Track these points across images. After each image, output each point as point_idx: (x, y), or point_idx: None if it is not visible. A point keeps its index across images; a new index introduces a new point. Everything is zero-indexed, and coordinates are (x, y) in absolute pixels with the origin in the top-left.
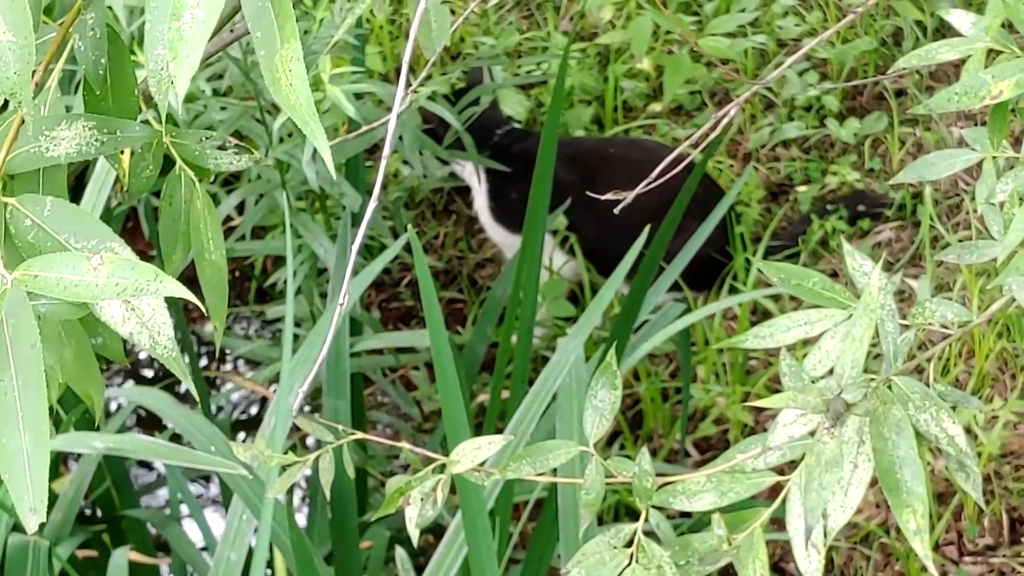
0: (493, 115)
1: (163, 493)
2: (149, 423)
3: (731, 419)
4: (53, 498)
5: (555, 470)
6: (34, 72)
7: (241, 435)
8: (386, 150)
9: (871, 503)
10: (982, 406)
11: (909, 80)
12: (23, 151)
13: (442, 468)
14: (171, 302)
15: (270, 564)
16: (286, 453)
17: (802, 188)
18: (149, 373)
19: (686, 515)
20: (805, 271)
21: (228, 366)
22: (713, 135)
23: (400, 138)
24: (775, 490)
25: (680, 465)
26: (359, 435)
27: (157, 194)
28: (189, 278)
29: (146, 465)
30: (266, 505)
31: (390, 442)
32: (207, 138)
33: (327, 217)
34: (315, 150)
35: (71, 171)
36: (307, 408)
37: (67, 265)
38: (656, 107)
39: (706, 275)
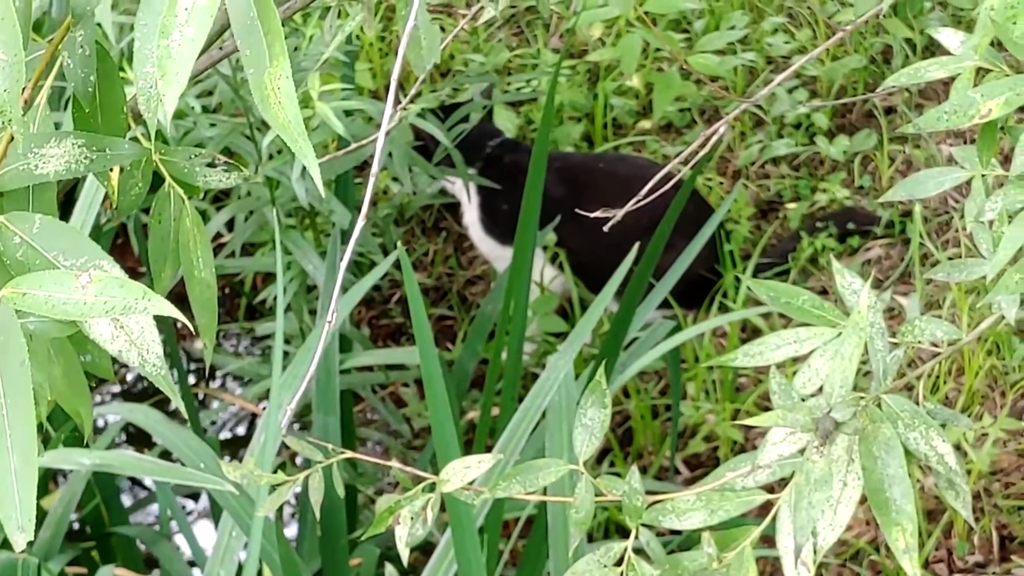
0: (486, 127)
1: (153, 510)
2: (139, 440)
3: (721, 436)
4: (42, 515)
5: (545, 488)
6: (23, 89)
7: (231, 452)
8: (374, 168)
9: (861, 521)
10: (971, 424)
11: (899, 98)
12: (12, 168)
13: (432, 486)
14: (161, 319)
15: None
16: (276, 471)
17: (792, 205)
18: (139, 389)
19: (676, 533)
20: (794, 289)
21: (218, 383)
22: (702, 152)
23: (390, 155)
24: (765, 508)
25: (670, 482)
26: (348, 454)
27: (147, 211)
28: (178, 295)
29: (136, 482)
30: (255, 522)
31: (380, 461)
32: (196, 155)
33: (317, 234)
34: (304, 167)
35: (60, 188)
36: (297, 425)
37: (56, 283)
38: (646, 124)
39: (696, 293)
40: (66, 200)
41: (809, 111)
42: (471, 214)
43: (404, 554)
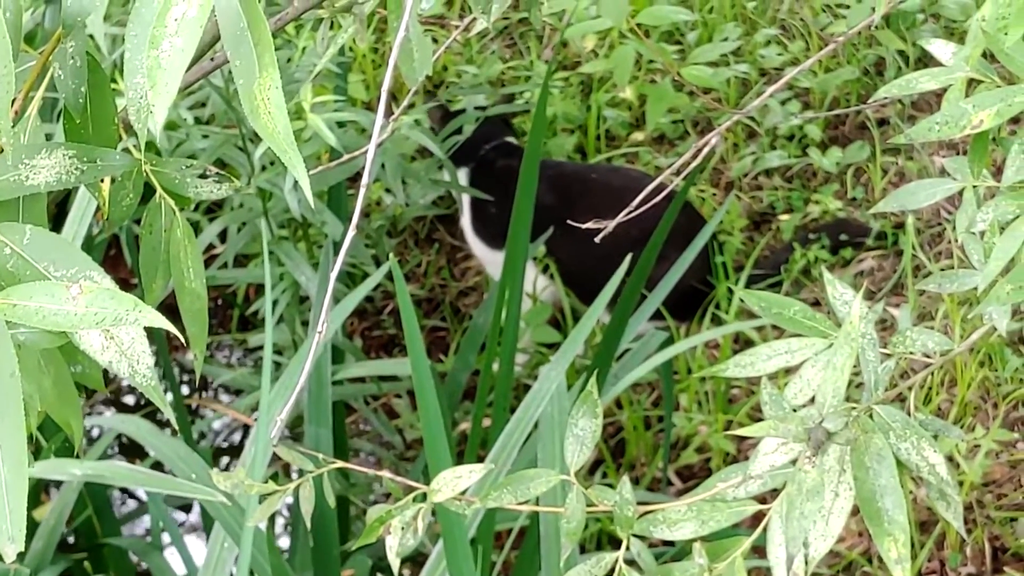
0: (488, 129)
1: (145, 521)
2: (131, 451)
3: (713, 447)
4: (34, 526)
5: (537, 499)
6: (14, 100)
7: (223, 462)
8: (365, 179)
9: (853, 532)
10: (963, 435)
11: (891, 109)
12: (3, 180)
13: (423, 497)
14: (152, 330)
15: None
16: (267, 481)
17: (784, 217)
18: (131, 400)
19: (668, 544)
20: (786, 300)
21: (210, 394)
22: (695, 164)
23: (382, 166)
24: (756, 519)
25: (662, 493)
26: (340, 464)
27: (139, 221)
28: (170, 307)
29: (128, 493)
30: (247, 533)
31: (371, 471)
32: (188, 167)
33: (309, 245)
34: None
35: (52, 199)
36: (289, 436)
37: (46, 294)
38: (639, 136)
39: (688, 305)
40: (58, 211)
41: (802, 123)
42: (464, 217)
43: (395, 564)
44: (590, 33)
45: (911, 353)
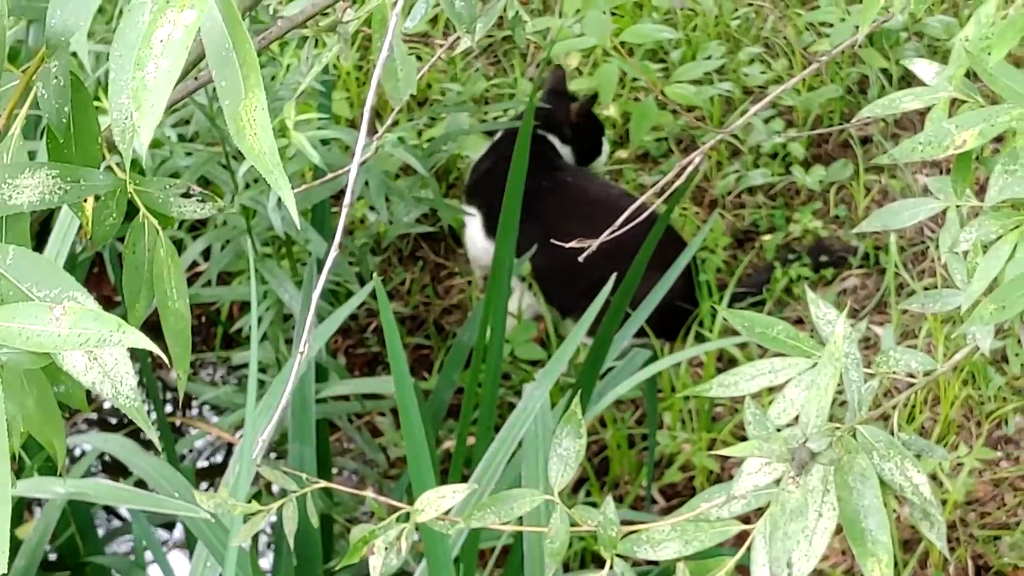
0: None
1: (128, 540)
2: (115, 469)
3: (697, 466)
4: (17, 544)
5: (521, 518)
6: None
7: (207, 481)
8: (347, 198)
9: (836, 550)
10: (947, 455)
11: (875, 128)
12: None
13: (407, 516)
14: (136, 348)
15: None
16: (250, 500)
17: (767, 236)
18: (115, 419)
19: (652, 563)
20: (769, 320)
21: (194, 412)
22: (678, 182)
23: (366, 184)
24: (740, 538)
25: (646, 512)
26: (323, 483)
27: (123, 239)
28: (153, 325)
29: (111, 512)
30: (230, 552)
31: (354, 491)
32: (171, 186)
33: (293, 263)
34: (280, 197)
35: (35, 217)
36: (273, 454)
37: (29, 315)
38: (622, 154)
39: (671, 324)
40: (41, 229)
41: (785, 141)
42: (471, 228)
43: None
44: (574, 51)
45: (894, 373)
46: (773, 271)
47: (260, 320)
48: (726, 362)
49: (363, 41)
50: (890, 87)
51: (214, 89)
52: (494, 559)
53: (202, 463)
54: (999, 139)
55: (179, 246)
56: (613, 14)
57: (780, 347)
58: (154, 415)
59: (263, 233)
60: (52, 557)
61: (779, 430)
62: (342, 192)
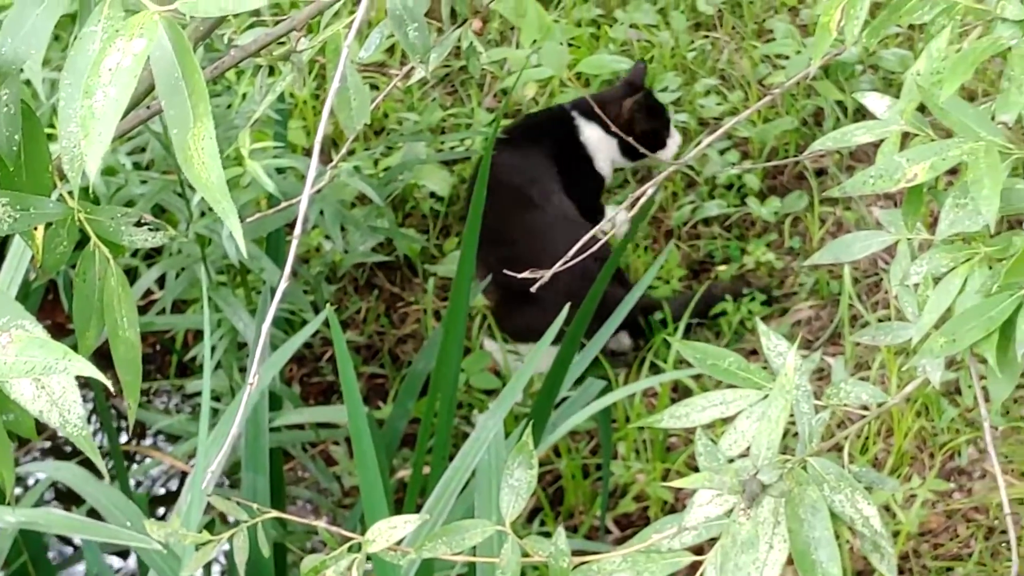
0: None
1: (81, 568)
2: (67, 497)
3: (651, 496)
4: None
5: (473, 548)
6: None
7: (161, 509)
8: (297, 228)
9: None
10: (898, 487)
11: (830, 159)
12: None
13: (359, 546)
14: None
15: None
16: (201, 530)
17: (722, 267)
18: (70, 447)
19: None
20: (721, 351)
21: (148, 440)
22: (632, 212)
23: (321, 213)
24: (692, 569)
25: (600, 541)
26: (274, 513)
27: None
28: (105, 353)
29: (64, 540)
30: None
31: (306, 521)
32: (122, 214)
33: (248, 291)
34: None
35: None
36: (227, 483)
37: None
38: None
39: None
40: None
41: (741, 172)
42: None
43: None
44: (531, 81)
45: (845, 405)
46: (722, 299)
47: (214, 348)
48: (681, 392)
49: (319, 70)
50: (845, 119)
51: None
52: None
53: (157, 491)
54: (954, 171)
55: (134, 274)
56: (570, 45)
57: (732, 379)
58: (107, 442)
59: (218, 261)
60: None
61: (730, 461)
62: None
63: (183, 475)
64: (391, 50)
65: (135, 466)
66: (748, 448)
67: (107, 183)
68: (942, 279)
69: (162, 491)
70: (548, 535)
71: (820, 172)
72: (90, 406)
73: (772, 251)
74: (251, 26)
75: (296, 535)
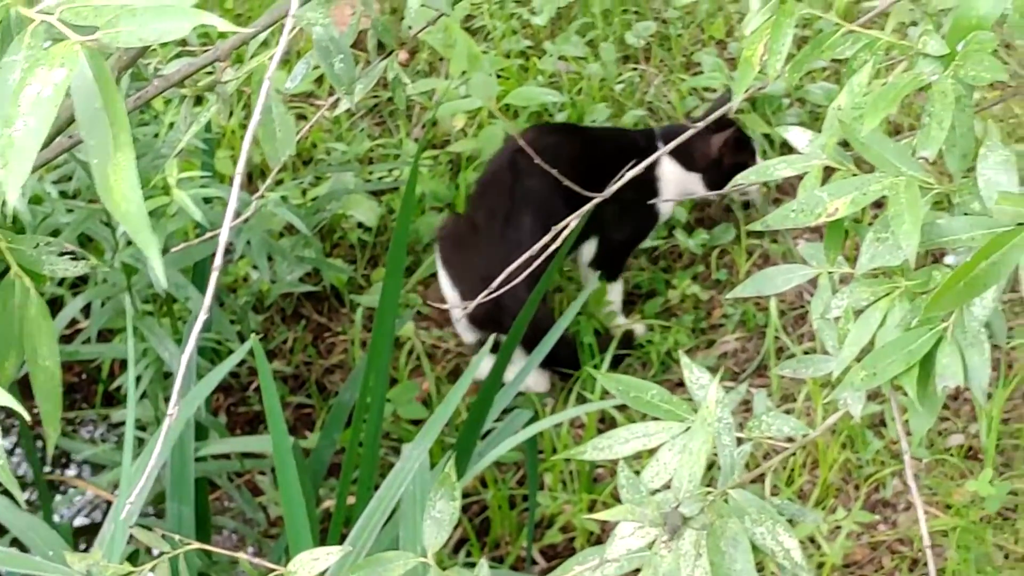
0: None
1: None
2: None
3: (578, 527)
4: None
5: None
6: None
7: (88, 539)
8: (217, 260)
9: None
10: (820, 519)
11: (756, 192)
12: None
13: None
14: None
15: None
16: (123, 562)
17: (649, 300)
18: None
19: None
20: (644, 383)
21: (74, 470)
22: (555, 245)
23: (248, 243)
24: None
25: (526, 572)
26: (196, 545)
27: None
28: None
29: None
30: None
31: (230, 552)
32: (44, 243)
33: (174, 321)
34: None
35: None
36: (152, 512)
37: None
38: None
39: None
40: None
41: (666, 202)
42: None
43: None
44: (460, 112)
45: (769, 438)
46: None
47: (139, 378)
48: (609, 423)
49: (247, 99)
50: (772, 151)
51: None
52: None
53: (82, 521)
54: (879, 204)
55: (59, 303)
56: (499, 76)
57: (654, 411)
58: (31, 472)
59: (144, 291)
60: None
61: (653, 493)
62: (226, 250)
63: (108, 504)
64: (320, 80)
65: (60, 496)
66: (670, 480)
67: (33, 211)
68: (863, 313)
69: (88, 520)
70: (473, 566)
71: (747, 205)
72: (14, 439)
73: (699, 283)
74: (178, 55)
75: (221, 565)
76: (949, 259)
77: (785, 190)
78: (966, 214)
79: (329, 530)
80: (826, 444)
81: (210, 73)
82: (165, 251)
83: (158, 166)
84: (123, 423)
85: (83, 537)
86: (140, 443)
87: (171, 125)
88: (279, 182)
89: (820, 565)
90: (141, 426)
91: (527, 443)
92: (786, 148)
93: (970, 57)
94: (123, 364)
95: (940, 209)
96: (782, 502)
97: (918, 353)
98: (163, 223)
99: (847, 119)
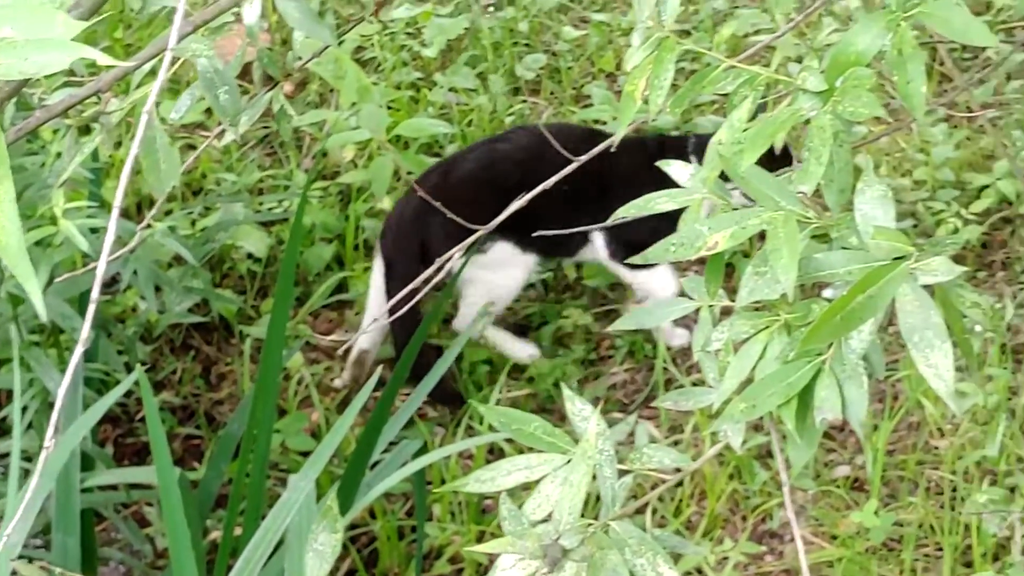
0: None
1: None
2: None
3: (466, 558)
4: None
5: None
6: None
7: None
8: (94, 292)
9: None
10: (701, 550)
11: None
12: None
13: None
14: None
15: None
16: None
17: (540, 330)
18: None
19: None
20: (526, 416)
21: None
22: (438, 277)
23: (135, 273)
24: None
25: None
26: None
27: None
28: None
29: None
30: None
31: None
32: None
33: (61, 351)
34: (47, 284)
35: None
36: (40, 544)
37: None
38: None
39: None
40: None
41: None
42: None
43: None
44: (349, 144)
45: (651, 470)
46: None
47: (25, 408)
48: (497, 454)
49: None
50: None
51: None
52: None
53: None
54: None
55: None
56: (389, 108)
57: (537, 443)
58: None
59: (30, 321)
60: None
61: (535, 525)
62: (114, 279)
63: None
64: (209, 111)
65: None
66: (552, 512)
67: None
68: (743, 345)
69: None
70: None
71: None
72: None
73: (589, 314)
74: (65, 84)
75: None
76: (827, 292)
77: None
78: (844, 248)
79: (216, 561)
80: (714, 475)
81: (96, 103)
82: (51, 281)
83: (45, 195)
84: (7, 454)
85: None
86: (26, 474)
87: (58, 155)
88: (168, 212)
89: None
90: (27, 457)
91: (415, 474)
92: (672, 182)
93: (848, 93)
94: (9, 395)
95: (824, 242)
96: (663, 534)
97: (797, 386)
98: (50, 253)
99: (728, 153)
